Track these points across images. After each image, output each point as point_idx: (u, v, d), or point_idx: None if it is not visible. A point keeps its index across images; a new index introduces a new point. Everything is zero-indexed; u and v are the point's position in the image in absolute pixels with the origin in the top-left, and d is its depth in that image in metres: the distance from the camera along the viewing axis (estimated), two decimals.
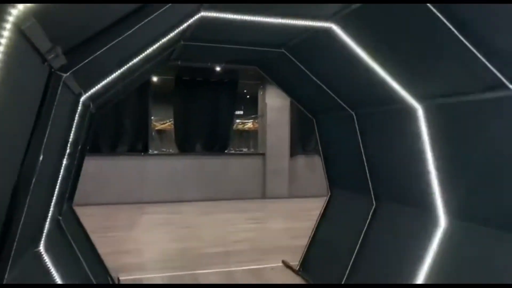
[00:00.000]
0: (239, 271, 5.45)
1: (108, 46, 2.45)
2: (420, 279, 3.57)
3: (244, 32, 3.89)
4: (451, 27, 2.57)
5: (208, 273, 5.33)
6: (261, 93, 12.39)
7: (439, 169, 3.49)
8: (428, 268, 3.56)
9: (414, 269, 3.63)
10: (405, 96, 3.62)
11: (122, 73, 3.55)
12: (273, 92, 11.76)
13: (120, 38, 2.49)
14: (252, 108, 14.06)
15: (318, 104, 5.21)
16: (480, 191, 3.16)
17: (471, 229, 3.29)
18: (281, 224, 8.71)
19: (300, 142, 12.47)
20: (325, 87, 4.52)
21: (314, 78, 4.45)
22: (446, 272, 3.41)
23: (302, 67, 4.39)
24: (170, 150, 13.08)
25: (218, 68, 10.42)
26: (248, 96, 14.47)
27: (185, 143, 11.80)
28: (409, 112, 3.62)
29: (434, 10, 2.56)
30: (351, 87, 4.35)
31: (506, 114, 2.77)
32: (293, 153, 12.32)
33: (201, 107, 11.72)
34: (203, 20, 3.36)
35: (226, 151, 12.17)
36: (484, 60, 2.60)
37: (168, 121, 13.96)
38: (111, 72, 3.31)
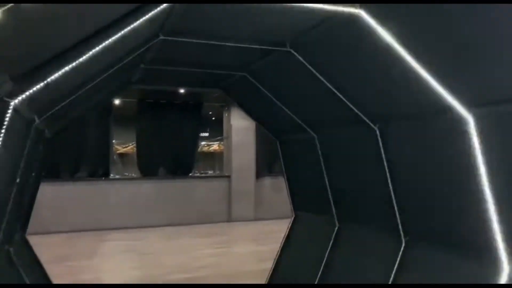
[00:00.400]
0: None
1: (63, 70, 2.38)
2: None
3: (206, 55, 3.89)
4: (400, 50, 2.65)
5: None
6: (226, 114, 12.40)
7: (395, 190, 3.55)
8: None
9: None
10: (365, 118, 3.69)
11: (79, 97, 3.46)
12: (238, 114, 11.78)
13: (76, 62, 2.43)
14: (218, 130, 14.02)
15: (281, 126, 5.24)
16: (436, 212, 3.22)
17: (427, 248, 3.34)
18: (247, 248, 8.62)
19: (266, 164, 12.48)
20: (287, 110, 4.55)
21: (276, 100, 4.48)
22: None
23: (264, 90, 4.41)
24: (133, 174, 12.80)
25: (182, 90, 10.36)
26: (213, 118, 14.45)
27: (148, 167, 11.58)
28: (370, 134, 3.68)
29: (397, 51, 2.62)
30: (313, 109, 4.40)
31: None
32: (259, 174, 12.30)
33: (165, 130, 11.57)
34: (163, 43, 3.33)
35: (190, 174, 12.01)
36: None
37: (130, 144, 13.71)
38: (67, 97, 3.22)
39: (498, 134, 2.54)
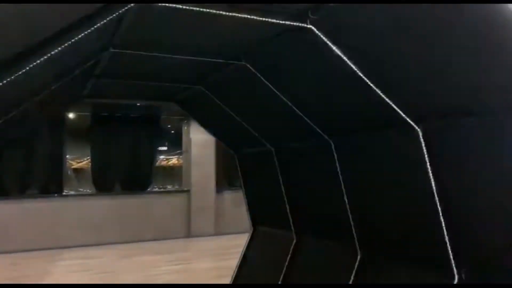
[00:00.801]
0: None
1: (5, 82, 2.25)
2: None
3: (159, 68, 3.81)
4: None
5: None
6: (185, 128, 12.24)
7: (350, 203, 3.57)
8: None
9: None
10: (320, 132, 3.71)
11: (25, 111, 3.29)
12: (198, 127, 11.60)
13: (19, 73, 2.31)
14: (177, 143, 13.81)
15: (239, 139, 5.21)
16: (391, 225, 3.27)
17: (383, 261, 3.38)
18: (206, 264, 8.45)
19: (226, 177, 12.38)
20: (243, 123, 4.52)
21: (232, 113, 4.44)
22: None
23: (220, 103, 4.37)
24: (88, 190, 12.37)
25: (138, 104, 10.15)
26: (172, 131, 14.24)
27: (103, 182, 11.21)
28: (325, 148, 3.70)
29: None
30: (269, 122, 4.40)
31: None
32: (219, 188, 12.17)
33: (121, 144, 11.27)
34: (114, 56, 3.23)
35: (148, 189, 11.73)
36: None
37: (85, 159, 13.27)
38: (10, 110, 3.06)
39: (445, 146, 2.65)
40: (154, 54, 3.20)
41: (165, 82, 4.19)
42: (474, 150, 2.48)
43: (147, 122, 11.63)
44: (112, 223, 10.62)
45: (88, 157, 12.14)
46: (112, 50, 3.01)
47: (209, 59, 3.42)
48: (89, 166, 12.01)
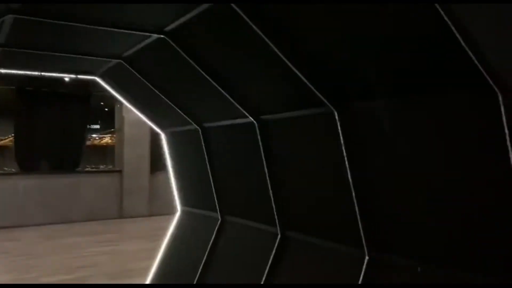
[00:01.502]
0: None
1: None
2: None
3: (74, 39, 3.55)
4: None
5: None
6: (118, 105, 11.78)
7: (272, 185, 3.57)
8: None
9: (256, 279, 3.66)
10: (243, 111, 3.65)
11: None
12: None
13: None
14: (110, 122, 13.30)
15: (164, 118, 5.04)
16: (311, 205, 3.30)
17: (302, 240, 3.43)
18: (136, 245, 8.26)
19: (161, 158, 12.08)
20: (168, 100, 4.37)
21: (156, 90, 4.27)
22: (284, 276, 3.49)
23: (142, 78, 4.18)
24: (12, 170, 11.64)
25: (67, 79, 9.59)
26: (106, 109, 13.68)
27: (28, 161, 10.59)
28: (250, 128, 3.65)
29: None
30: (194, 100, 4.27)
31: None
32: (154, 169, 11.89)
33: (48, 121, 10.66)
34: (21, 23, 2.96)
35: (78, 169, 11.23)
36: None
37: (9, 136, 12.44)
38: None
39: (276, 136, 2.61)
40: (65, 23, 2.96)
41: (82, 55, 3.93)
42: (383, 134, 2.53)
43: (77, 99, 11.06)
44: (37, 203, 10.10)
45: (12, 134, 11.41)
46: (11, 16, 2.74)
47: (128, 31, 3.22)
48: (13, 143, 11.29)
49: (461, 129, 2.10)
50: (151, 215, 11.46)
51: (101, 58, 4.00)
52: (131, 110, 11.24)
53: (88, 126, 11.58)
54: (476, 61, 1.74)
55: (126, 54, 3.87)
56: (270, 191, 3.63)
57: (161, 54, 3.62)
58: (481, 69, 1.76)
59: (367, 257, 2.85)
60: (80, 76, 5.06)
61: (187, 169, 5.16)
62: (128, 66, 4.07)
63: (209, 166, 4.54)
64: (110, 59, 4.02)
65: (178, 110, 4.45)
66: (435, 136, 2.25)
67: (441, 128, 2.20)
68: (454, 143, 2.14)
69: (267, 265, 3.65)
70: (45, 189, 10.32)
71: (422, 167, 2.35)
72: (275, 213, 3.67)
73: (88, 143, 13.38)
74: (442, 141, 2.20)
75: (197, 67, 3.45)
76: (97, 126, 13.94)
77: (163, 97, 4.36)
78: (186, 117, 4.50)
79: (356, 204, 2.77)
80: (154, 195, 11.79)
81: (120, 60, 4.02)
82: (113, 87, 4.93)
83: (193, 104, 4.35)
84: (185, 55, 3.41)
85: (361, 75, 2.48)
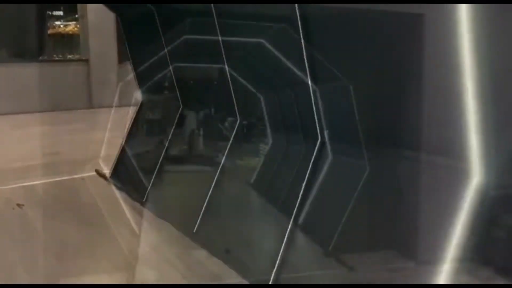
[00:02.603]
0: (43, 184, 5.03)
1: None
2: None
3: None
4: None
5: (1, 190, 4.77)
6: None
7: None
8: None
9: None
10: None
11: None
12: None
13: None
14: (74, 8, 12.47)
15: None
16: None
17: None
18: (103, 134, 8.24)
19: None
20: None
21: None
22: None
23: None
24: None
25: None
26: None
27: None
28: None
29: None
30: None
31: None
32: (122, 59, 11.48)
33: (2, 6, 9.92)
34: None
35: (41, 57, 10.76)
36: None
37: None
38: None
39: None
40: None
41: None
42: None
43: None
44: (1, 93, 9.80)
45: None
46: None
47: None
48: None
49: None
50: (121, 105, 11.31)
51: None
52: None
53: (49, 13, 10.85)
54: None
55: None
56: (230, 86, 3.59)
57: None
58: None
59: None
60: None
61: (145, 52, 4.99)
62: None
63: (166, 47, 4.39)
64: None
65: None
66: None
67: None
68: None
69: (224, 152, 3.75)
70: (7, 78, 9.94)
71: None
72: (235, 105, 3.69)
73: (52, 31, 12.69)
74: None
75: None
76: (60, 13, 13.09)
77: None
78: None
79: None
80: (124, 84, 11.54)
81: None
82: None
83: None
84: None
85: None
